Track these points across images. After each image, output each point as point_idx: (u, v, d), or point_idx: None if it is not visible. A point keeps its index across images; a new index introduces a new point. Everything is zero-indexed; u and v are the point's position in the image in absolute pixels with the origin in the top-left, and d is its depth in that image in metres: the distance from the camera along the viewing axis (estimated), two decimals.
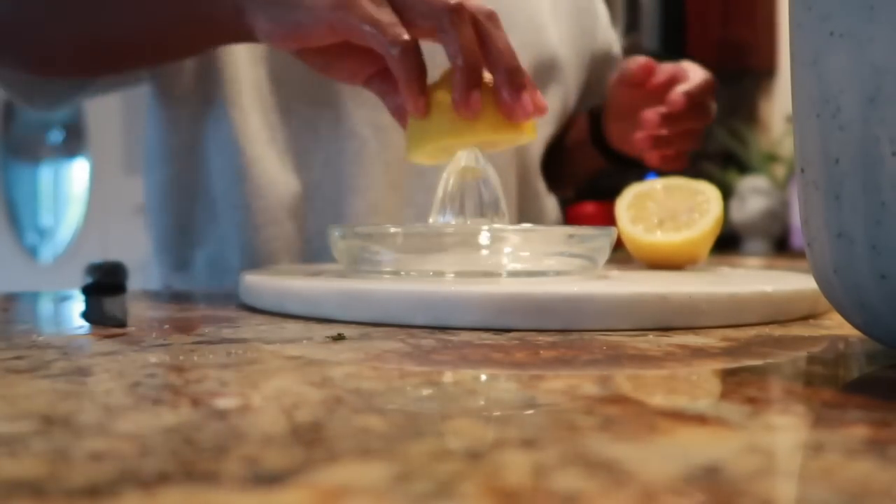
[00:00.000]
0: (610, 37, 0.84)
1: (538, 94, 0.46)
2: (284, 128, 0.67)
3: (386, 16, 0.44)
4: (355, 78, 0.49)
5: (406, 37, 0.44)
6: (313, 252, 0.68)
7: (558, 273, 0.43)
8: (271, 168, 0.66)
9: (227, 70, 0.65)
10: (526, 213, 0.76)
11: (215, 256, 0.68)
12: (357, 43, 0.45)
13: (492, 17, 0.45)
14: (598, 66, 0.82)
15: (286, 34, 0.46)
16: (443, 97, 0.45)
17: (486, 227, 0.44)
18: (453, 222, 0.48)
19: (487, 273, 0.42)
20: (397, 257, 0.43)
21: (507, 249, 0.43)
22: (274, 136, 0.66)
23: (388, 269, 0.44)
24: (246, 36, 0.49)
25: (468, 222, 0.47)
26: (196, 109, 0.67)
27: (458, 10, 0.44)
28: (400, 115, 0.48)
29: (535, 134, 0.48)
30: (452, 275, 0.42)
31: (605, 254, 0.45)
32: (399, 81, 0.44)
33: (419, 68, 0.44)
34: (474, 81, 0.44)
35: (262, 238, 0.66)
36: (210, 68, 0.65)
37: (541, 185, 0.78)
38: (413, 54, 0.44)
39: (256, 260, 0.66)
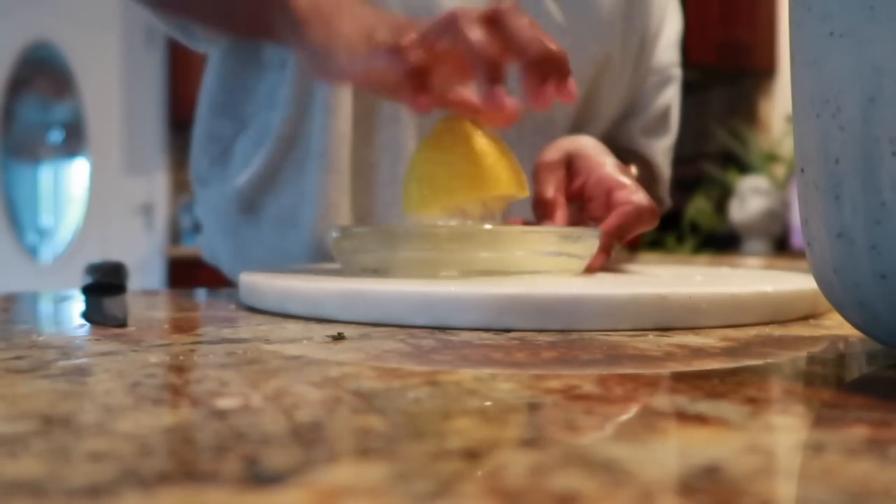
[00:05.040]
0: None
1: (567, 82, 0.46)
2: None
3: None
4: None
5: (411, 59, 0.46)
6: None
7: (551, 272, 0.43)
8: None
9: None
10: None
11: (288, 207, 0.68)
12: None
13: (498, 14, 0.45)
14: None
15: (325, 74, 0.52)
16: (442, 157, 0.46)
17: (481, 227, 0.44)
18: (451, 222, 0.48)
19: (484, 272, 0.43)
20: (395, 257, 0.43)
21: (502, 249, 0.43)
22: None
23: (385, 268, 0.44)
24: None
25: (469, 222, 0.48)
26: None
27: (452, 20, 0.45)
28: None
29: (527, 191, 0.48)
30: (449, 274, 0.42)
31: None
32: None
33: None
34: (492, 76, 0.44)
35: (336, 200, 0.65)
36: None
37: None
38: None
39: (327, 220, 0.65)
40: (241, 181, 0.69)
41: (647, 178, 0.71)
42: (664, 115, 0.77)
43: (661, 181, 0.76)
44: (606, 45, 0.70)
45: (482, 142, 0.46)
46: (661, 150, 0.77)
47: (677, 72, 0.78)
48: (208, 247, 0.77)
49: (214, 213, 0.73)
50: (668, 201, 0.76)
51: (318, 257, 0.66)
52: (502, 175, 0.46)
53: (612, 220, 0.50)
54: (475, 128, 0.47)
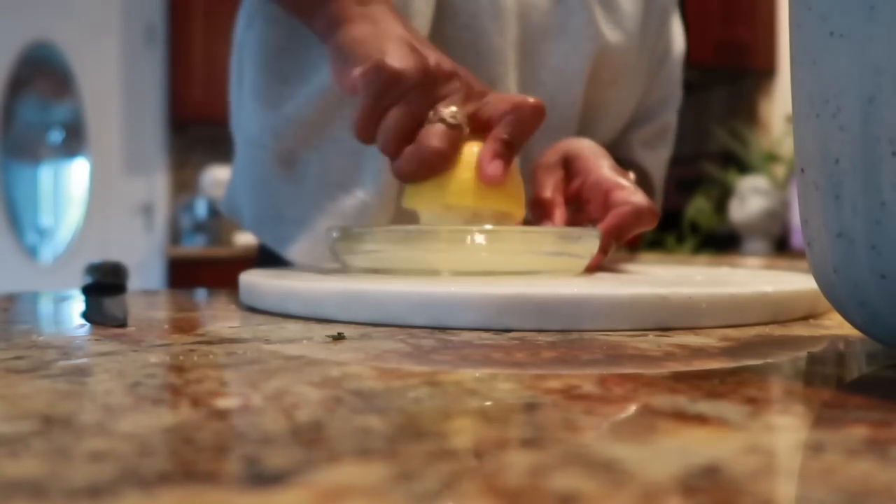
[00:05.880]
0: None
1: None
2: None
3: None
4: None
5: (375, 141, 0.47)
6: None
7: (551, 272, 0.44)
8: None
9: None
10: None
11: (339, 167, 0.65)
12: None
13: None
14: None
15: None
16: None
17: (480, 227, 0.44)
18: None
19: (484, 272, 0.43)
20: (394, 257, 0.44)
21: (502, 249, 0.43)
22: None
23: (384, 268, 0.44)
24: None
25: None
26: None
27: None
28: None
29: (523, 211, 0.49)
30: (447, 274, 0.42)
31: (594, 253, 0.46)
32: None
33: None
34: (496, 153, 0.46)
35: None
36: None
37: None
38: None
39: (393, 189, 0.63)
40: (280, 129, 0.66)
41: (643, 188, 0.71)
42: (664, 129, 0.77)
43: (656, 194, 0.76)
44: (626, 58, 0.70)
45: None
46: (658, 162, 0.77)
47: (679, 92, 0.79)
48: (230, 198, 0.73)
49: (247, 162, 0.70)
50: (658, 217, 0.76)
51: (383, 223, 0.64)
52: (496, 189, 0.46)
53: (610, 220, 0.50)
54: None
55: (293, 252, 0.66)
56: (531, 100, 0.48)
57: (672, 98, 0.78)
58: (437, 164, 0.46)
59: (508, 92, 0.64)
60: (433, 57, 0.47)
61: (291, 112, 0.65)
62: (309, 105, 0.65)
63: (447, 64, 0.48)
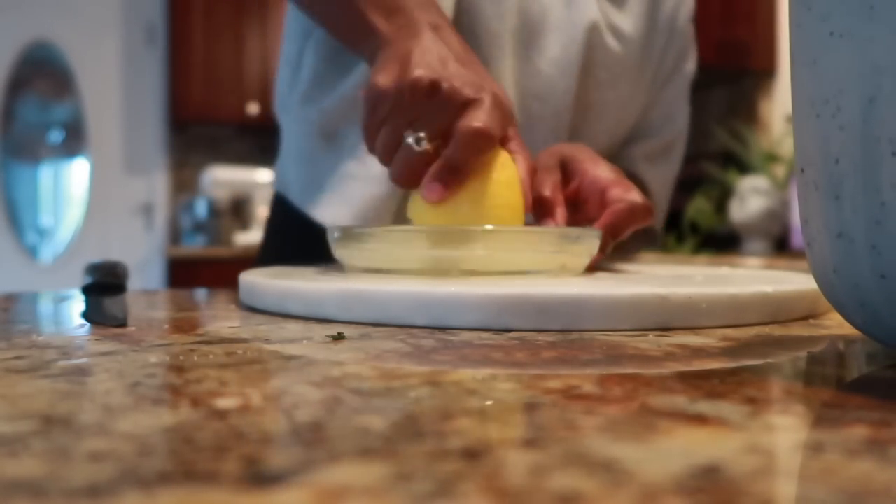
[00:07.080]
0: None
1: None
2: None
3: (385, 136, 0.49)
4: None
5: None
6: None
7: (551, 272, 0.44)
8: None
9: None
10: None
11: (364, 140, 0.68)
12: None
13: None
14: None
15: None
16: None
17: (481, 228, 0.44)
18: None
19: (484, 272, 0.43)
20: (394, 257, 0.44)
21: (502, 249, 0.43)
22: None
23: (384, 268, 0.44)
24: None
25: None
26: None
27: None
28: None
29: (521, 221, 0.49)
30: (449, 274, 0.42)
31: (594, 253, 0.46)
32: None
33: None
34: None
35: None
36: None
37: None
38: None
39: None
40: (325, 104, 0.69)
41: None
42: (668, 146, 0.78)
43: (657, 210, 0.76)
44: (626, 61, 0.71)
45: (492, 178, 0.47)
46: (660, 178, 0.77)
47: (686, 111, 0.79)
48: (280, 176, 0.77)
49: (294, 139, 0.73)
50: (660, 235, 0.76)
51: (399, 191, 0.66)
52: (499, 217, 0.46)
53: (605, 219, 0.50)
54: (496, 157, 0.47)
55: (325, 216, 0.69)
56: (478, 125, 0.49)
57: (677, 116, 0.78)
58: (408, 186, 0.49)
59: (503, 76, 0.65)
60: (419, 72, 0.47)
61: (340, 92, 0.68)
62: (354, 85, 0.67)
63: (426, 79, 0.47)
